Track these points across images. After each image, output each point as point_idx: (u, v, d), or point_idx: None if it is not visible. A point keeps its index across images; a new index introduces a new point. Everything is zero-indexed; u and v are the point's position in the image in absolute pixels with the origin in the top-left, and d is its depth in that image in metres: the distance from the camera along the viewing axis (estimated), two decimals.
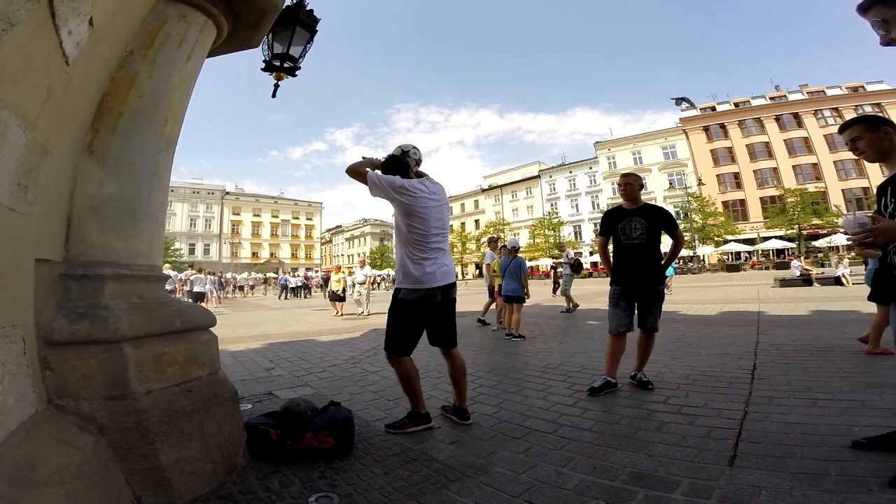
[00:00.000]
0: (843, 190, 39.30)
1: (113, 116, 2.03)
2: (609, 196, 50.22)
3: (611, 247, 4.01)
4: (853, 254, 14.74)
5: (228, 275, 33.43)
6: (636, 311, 3.74)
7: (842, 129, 2.26)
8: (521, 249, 7.98)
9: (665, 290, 3.86)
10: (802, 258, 22.83)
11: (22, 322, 1.48)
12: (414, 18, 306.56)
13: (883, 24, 1.26)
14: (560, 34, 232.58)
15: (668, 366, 4.26)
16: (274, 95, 4.19)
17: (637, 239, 3.72)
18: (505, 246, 7.70)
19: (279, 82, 4.07)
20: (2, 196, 1.26)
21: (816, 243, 35.75)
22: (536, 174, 60.41)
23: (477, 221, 64.30)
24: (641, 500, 1.84)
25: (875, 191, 2.19)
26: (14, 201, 1.33)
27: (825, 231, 35.92)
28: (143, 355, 1.91)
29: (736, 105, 48.47)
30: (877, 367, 3.75)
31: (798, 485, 1.86)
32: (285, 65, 3.93)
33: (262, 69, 3.98)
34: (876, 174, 33.29)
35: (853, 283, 14.09)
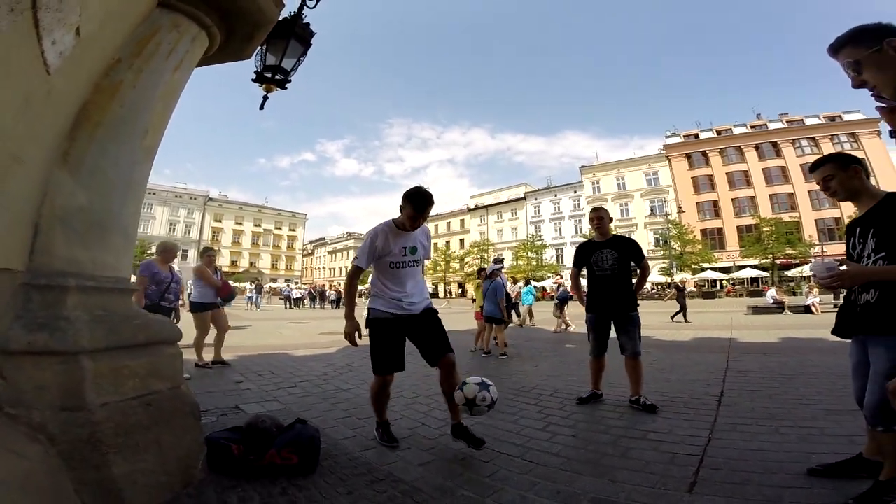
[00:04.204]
0: (816, 220, 40.45)
1: (91, 125, 2.00)
2: None
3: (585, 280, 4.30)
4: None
5: None
6: (617, 339, 3.94)
7: (813, 168, 2.30)
8: (501, 269, 8.07)
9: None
10: (776, 287, 23.42)
11: None
12: (415, 34, 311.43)
13: (854, 65, 1.26)
14: (554, 57, 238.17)
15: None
16: (262, 108, 4.20)
17: (609, 270, 3.97)
18: (483, 269, 7.96)
19: (268, 94, 4.09)
20: None
21: (789, 273, 36.67)
22: (522, 196, 61.09)
23: (462, 241, 64.50)
24: None
25: (845, 228, 2.28)
26: None
27: (798, 261, 36.91)
28: (101, 368, 1.88)
29: (718, 133, 49.77)
30: (837, 395, 3.85)
31: None
32: (276, 77, 3.95)
33: (252, 80, 4.00)
34: (848, 204, 34.39)
35: (822, 312, 14.50)
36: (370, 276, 3.12)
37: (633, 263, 4.04)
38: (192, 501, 2.00)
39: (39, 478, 1.42)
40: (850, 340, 2.26)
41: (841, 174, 2.17)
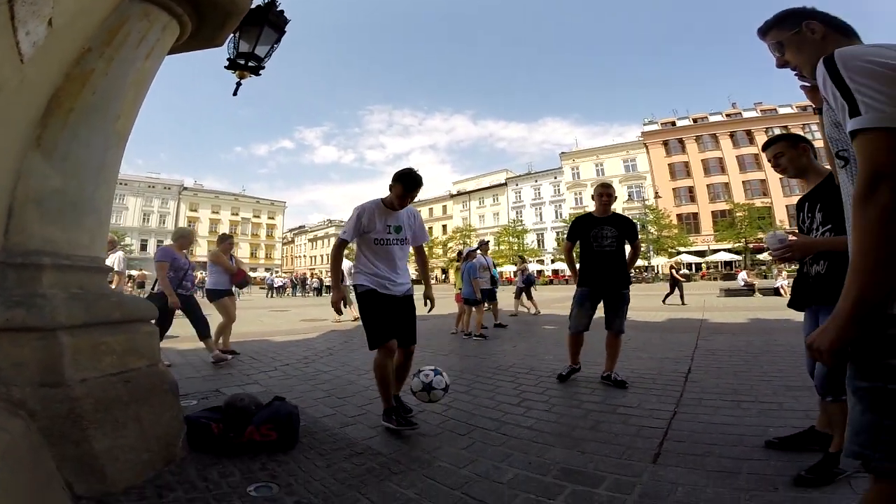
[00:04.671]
0: (787, 206, 41.51)
1: (63, 112, 2.03)
2: (571, 206, 51.57)
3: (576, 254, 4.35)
4: (792, 267, 15.67)
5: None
6: (604, 314, 4.02)
7: (766, 146, 2.43)
8: (475, 250, 8.19)
9: None
10: (747, 270, 24.11)
11: None
12: (393, 20, 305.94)
13: (778, 46, 1.31)
14: (536, 44, 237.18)
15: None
16: (235, 94, 4.15)
17: (608, 246, 4.01)
18: (461, 252, 8.01)
19: (241, 81, 4.05)
20: None
21: (761, 256, 37.75)
22: (503, 182, 61.33)
23: (444, 226, 64.56)
24: (568, 495, 1.94)
25: (795, 204, 2.39)
26: None
27: None
28: (80, 344, 1.91)
29: (694, 121, 50.71)
30: (797, 372, 4.03)
31: (712, 482, 2.00)
32: (249, 64, 3.91)
33: (225, 67, 3.95)
34: None
35: (790, 295, 14.99)
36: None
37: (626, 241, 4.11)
38: (173, 478, 2.04)
39: (21, 451, 1.45)
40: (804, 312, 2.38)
41: (791, 152, 2.31)
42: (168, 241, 6.56)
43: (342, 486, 2.04)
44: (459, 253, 9.26)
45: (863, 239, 0.89)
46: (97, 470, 1.80)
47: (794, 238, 2.14)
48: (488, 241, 9.17)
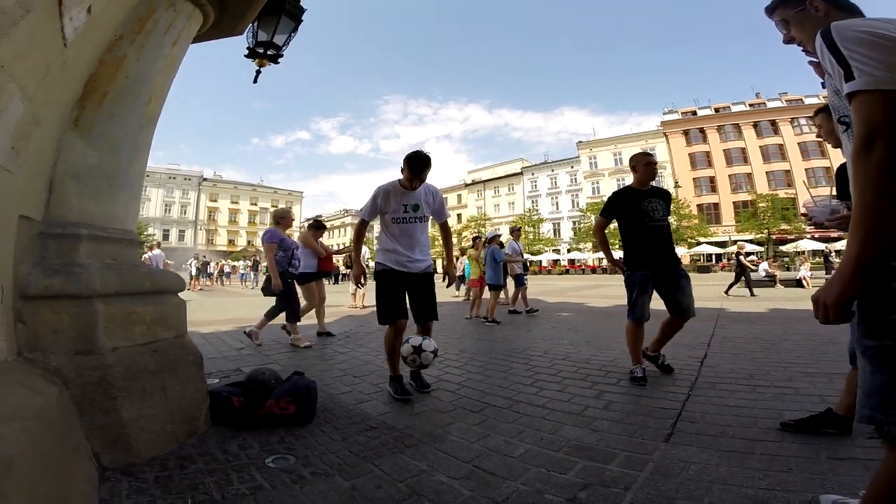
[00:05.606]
0: (813, 196, 40.47)
1: (99, 95, 2.16)
2: (589, 195, 51.03)
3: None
4: (817, 259, 15.20)
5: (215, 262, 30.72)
6: (665, 300, 3.61)
7: (815, 115, 2.51)
8: (498, 235, 8.28)
9: None
10: (769, 261, 23.60)
11: (2, 272, 1.57)
12: (408, 10, 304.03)
13: (783, 23, 1.37)
14: (553, 33, 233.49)
15: (626, 352, 4.44)
16: (255, 81, 4.25)
17: (660, 220, 3.59)
18: (478, 238, 8.05)
19: (261, 69, 4.15)
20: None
21: (784, 248, 36.93)
22: (519, 171, 60.83)
23: (459, 216, 64.48)
24: (580, 470, 1.96)
25: (835, 175, 2.37)
26: (7, 162, 1.45)
27: (793, 236, 37.14)
28: (112, 312, 2.01)
29: (716, 110, 49.48)
30: (816, 359, 3.99)
31: (725, 461, 1.99)
32: (268, 52, 4.02)
33: (245, 55, 4.06)
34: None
35: (813, 286, 14.66)
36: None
37: None
38: (195, 450, 2.12)
39: (54, 414, 1.53)
40: None
41: (828, 124, 2.33)
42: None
43: (357, 458, 2.10)
44: (474, 240, 9.26)
45: (862, 192, 0.93)
46: (124, 440, 1.89)
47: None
48: (520, 228, 9.10)
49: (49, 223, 1.99)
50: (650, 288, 3.55)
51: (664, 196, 3.72)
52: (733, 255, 13.73)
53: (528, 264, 9.58)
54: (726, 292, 12.09)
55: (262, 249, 6.51)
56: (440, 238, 3.62)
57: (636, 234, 3.60)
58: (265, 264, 5.72)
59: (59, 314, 1.85)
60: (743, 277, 12.29)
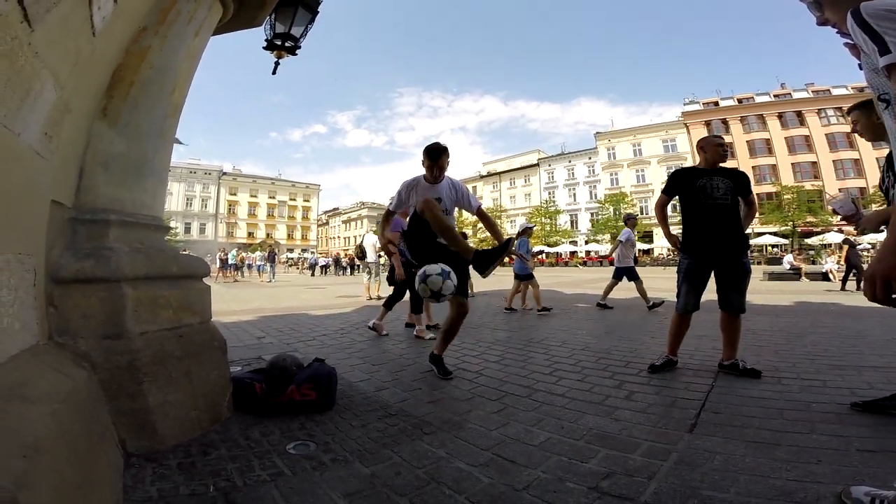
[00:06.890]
0: (839, 189, 39.50)
1: (126, 85, 2.20)
2: (607, 187, 50.36)
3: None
4: (842, 252, 14.61)
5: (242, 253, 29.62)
6: (717, 290, 3.35)
7: (849, 111, 2.51)
8: (532, 227, 8.34)
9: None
10: (794, 253, 23.02)
11: (35, 254, 1.60)
12: (421, 1, 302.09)
13: (816, 5, 1.37)
14: (571, 24, 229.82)
15: (645, 343, 4.42)
16: (274, 73, 4.31)
17: (721, 199, 3.28)
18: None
19: (280, 60, 4.19)
20: (33, 142, 1.42)
21: (809, 241, 36.01)
22: (535, 162, 60.34)
23: None
24: (602, 458, 1.93)
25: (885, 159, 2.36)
26: (40, 147, 1.48)
27: (819, 229, 36.17)
28: (140, 296, 2.05)
29: (739, 101, 48.33)
30: (844, 352, 3.89)
31: (751, 452, 1.95)
32: (286, 44, 4.06)
33: (263, 48, 4.11)
34: (874, 175, 33.48)
35: (840, 280, 14.25)
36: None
37: (739, 199, 3.38)
38: (218, 437, 2.14)
39: (82, 398, 1.55)
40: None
41: (864, 120, 2.35)
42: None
43: (376, 444, 2.10)
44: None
45: None
46: (149, 426, 1.91)
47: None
48: (532, 227, 9.06)
49: (79, 209, 2.03)
50: (699, 277, 3.33)
51: (735, 176, 3.37)
52: (845, 248, 12.84)
53: (539, 260, 9.39)
54: (842, 288, 11.35)
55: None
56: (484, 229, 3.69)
57: (690, 213, 3.39)
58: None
59: (89, 297, 1.89)
60: (854, 271, 11.60)
